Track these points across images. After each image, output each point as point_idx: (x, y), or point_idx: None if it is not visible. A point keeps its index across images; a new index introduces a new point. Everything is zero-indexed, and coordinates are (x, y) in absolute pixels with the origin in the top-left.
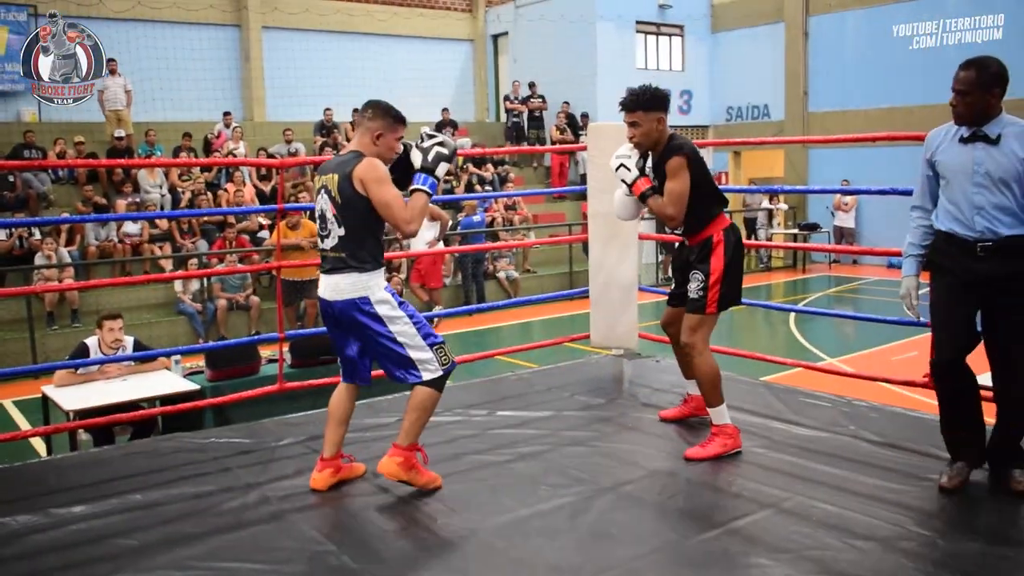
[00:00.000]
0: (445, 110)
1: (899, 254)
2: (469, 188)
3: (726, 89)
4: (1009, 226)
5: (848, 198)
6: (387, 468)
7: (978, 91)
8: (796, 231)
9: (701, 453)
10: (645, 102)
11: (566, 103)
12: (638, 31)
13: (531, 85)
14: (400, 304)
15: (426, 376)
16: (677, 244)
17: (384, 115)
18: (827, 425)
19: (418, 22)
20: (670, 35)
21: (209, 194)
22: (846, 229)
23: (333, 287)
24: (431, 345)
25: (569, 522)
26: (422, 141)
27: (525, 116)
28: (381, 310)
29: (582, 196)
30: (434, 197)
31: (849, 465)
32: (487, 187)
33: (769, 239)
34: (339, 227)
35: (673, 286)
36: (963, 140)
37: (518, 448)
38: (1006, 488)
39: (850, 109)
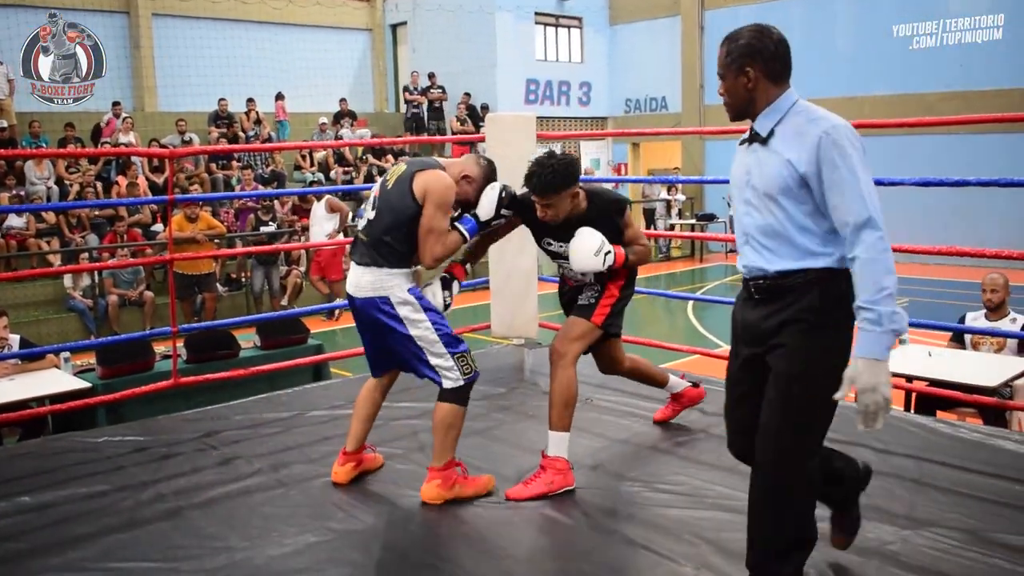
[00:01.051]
0: (343, 101)
1: None
2: (369, 179)
3: (625, 81)
4: (782, 258)
5: None
6: (429, 494)
7: (730, 72)
8: (694, 221)
9: (523, 493)
10: (555, 185)
11: (467, 94)
12: (537, 22)
13: (431, 76)
14: (424, 308)
15: (447, 384)
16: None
17: (488, 173)
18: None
19: (315, 11)
20: (569, 27)
21: (98, 186)
22: None
23: (355, 282)
24: (453, 353)
25: (473, 517)
26: (502, 192)
27: (425, 107)
28: (402, 311)
29: None
30: (334, 188)
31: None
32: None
33: (668, 229)
34: (372, 210)
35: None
36: (742, 141)
37: (419, 438)
38: None
39: None
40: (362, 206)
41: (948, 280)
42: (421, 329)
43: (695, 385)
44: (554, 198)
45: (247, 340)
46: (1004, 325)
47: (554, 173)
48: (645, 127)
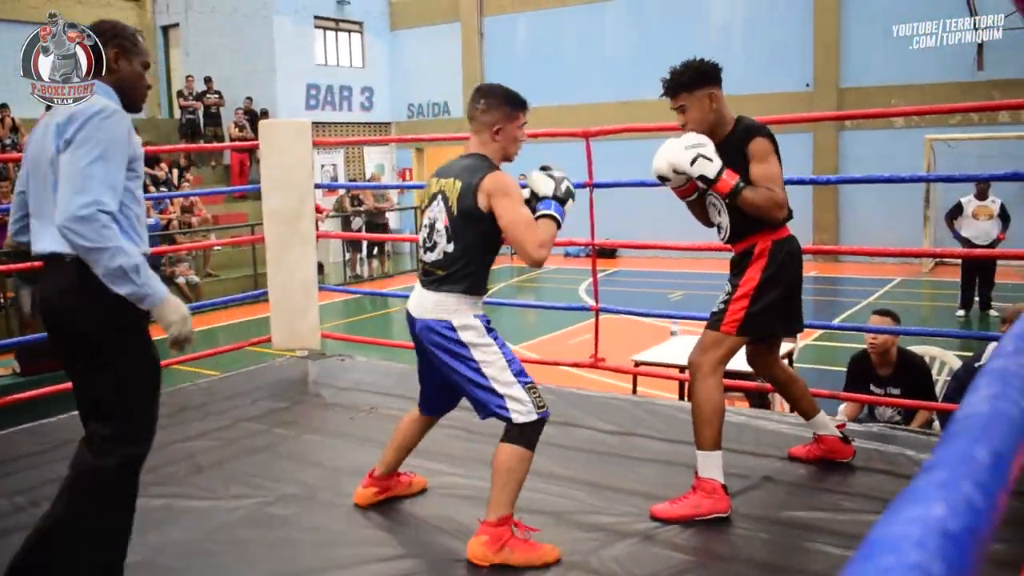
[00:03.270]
0: None
1: (578, 244)
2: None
3: (407, 86)
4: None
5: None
6: (474, 552)
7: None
8: None
9: (669, 512)
10: (687, 81)
11: (248, 99)
12: (317, 26)
13: (207, 80)
14: (490, 332)
15: (516, 418)
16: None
17: (499, 104)
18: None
19: (77, 10)
20: (349, 31)
21: None
22: None
23: (418, 303)
24: (524, 384)
25: (252, 531)
26: (546, 170)
27: (201, 113)
28: (465, 336)
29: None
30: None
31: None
32: (162, 188)
33: None
34: (448, 242)
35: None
36: None
37: (196, 460)
38: None
39: None
40: (424, 239)
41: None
42: (487, 354)
43: (846, 441)
44: (686, 98)
45: (3, 367)
46: None
47: (687, 69)
48: (428, 132)
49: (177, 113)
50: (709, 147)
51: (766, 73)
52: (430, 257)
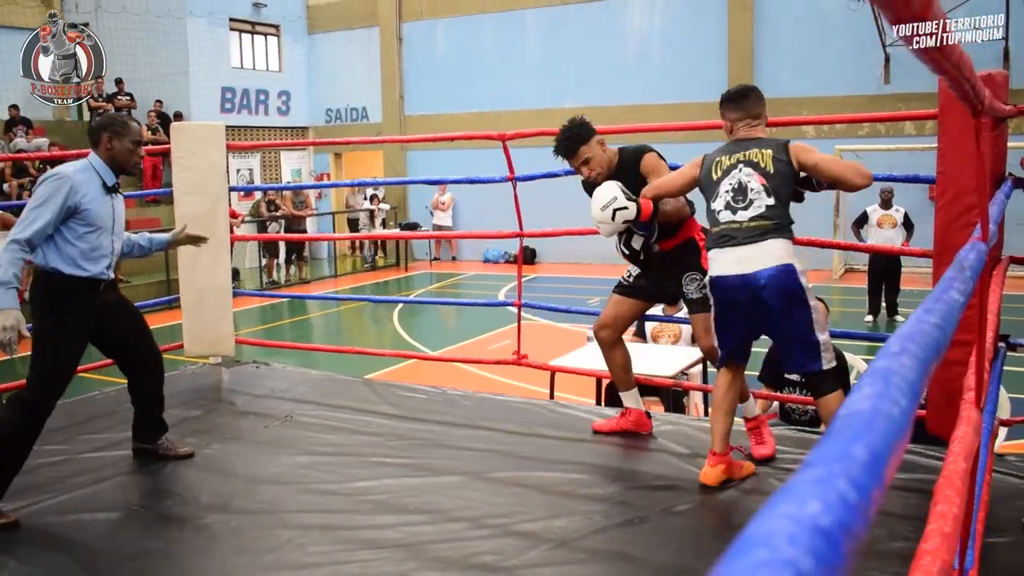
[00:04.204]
0: (13, 107)
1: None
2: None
3: (325, 91)
4: None
5: (445, 197)
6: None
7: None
8: (398, 230)
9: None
10: (585, 134)
11: (159, 101)
12: (232, 29)
13: (118, 82)
14: None
15: (825, 365)
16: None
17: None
18: (421, 414)
19: None
20: (266, 34)
21: None
22: (444, 227)
23: (751, 256)
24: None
25: (162, 542)
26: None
27: None
28: (803, 280)
29: None
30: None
31: (442, 452)
32: None
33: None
34: (768, 196)
35: (631, 288)
36: None
37: (103, 472)
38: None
39: (443, 113)
40: (732, 200)
41: None
42: (813, 301)
43: (649, 416)
44: (585, 150)
45: None
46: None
47: (573, 125)
48: (347, 137)
49: (87, 115)
50: (615, 194)
51: (683, 83)
52: (745, 215)
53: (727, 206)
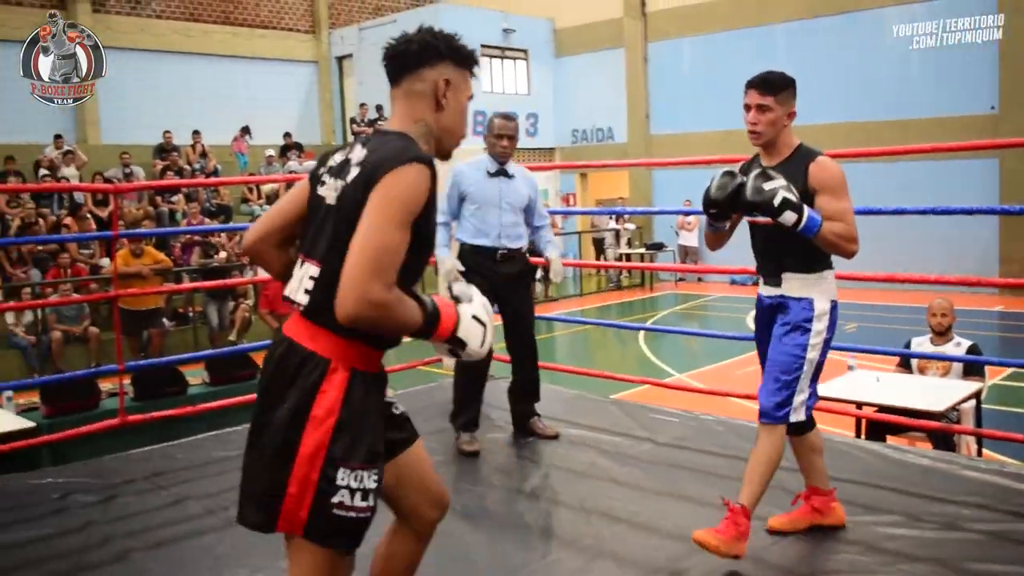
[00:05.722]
0: (287, 135)
1: (744, 271)
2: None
3: (571, 112)
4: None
5: (691, 218)
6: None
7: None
8: (643, 251)
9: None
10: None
11: None
12: (483, 55)
13: (379, 108)
14: (832, 328)
15: (794, 417)
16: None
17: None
18: (676, 440)
19: (260, 44)
20: (515, 59)
21: (41, 222)
22: (690, 248)
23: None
24: (813, 391)
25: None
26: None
27: None
28: (817, 325)
29: None
30: None
31: (695, 477)
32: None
33: (618, 259)
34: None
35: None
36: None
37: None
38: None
39: (689, 132)
40: None
41: (893, 305)
42: (817, 351)
43: None
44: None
45: (195, 376)
46: (949, 349)
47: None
48: (592, 157)
49: (350, 139)
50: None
51: (951, 95)
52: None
53: None
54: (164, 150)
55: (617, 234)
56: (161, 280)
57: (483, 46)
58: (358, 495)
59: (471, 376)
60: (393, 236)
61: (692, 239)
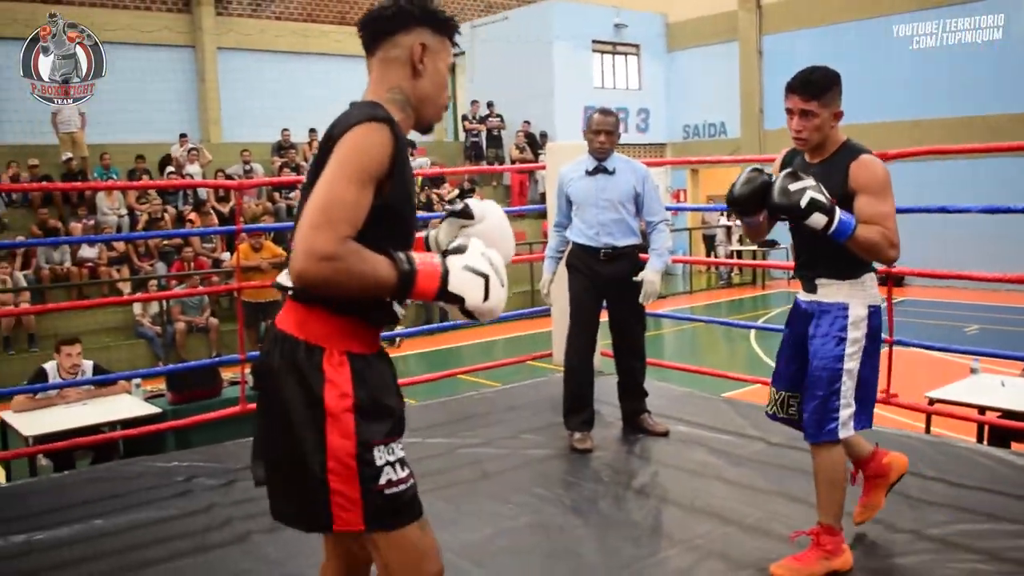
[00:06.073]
0: None
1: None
2: (427, 208)
3: (682, 107)
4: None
5: None
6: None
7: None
8: (755, 248)
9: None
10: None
11: (526, 122)
12: (594, 50)
13: (489, 104)
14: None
15: (843, 433)
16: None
17: None
18: (790, 440)
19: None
20: (626, 54)
21: (167, 216)
22: None
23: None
24: (861, 402)
25: (536, 540)
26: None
27: (484, 135)
28: (852, 333)
29: (542, 215)
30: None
31: (809, 479)
32: (447, 206)
33: (729, 256)
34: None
35: None
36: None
37: (483, 467)
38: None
39: None
40: None
41: (1018, 307)
42: (855, 361)
43: None
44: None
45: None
46: None
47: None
48: (704, 153)
49: (462, 136)
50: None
51: None
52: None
53: None
54: (282, 147)
55: (728, 231)
56: (279, 273)
57: (595, 42)
58: (398, 466)
59: (579, 375)
60: (346, 190)
61: None
